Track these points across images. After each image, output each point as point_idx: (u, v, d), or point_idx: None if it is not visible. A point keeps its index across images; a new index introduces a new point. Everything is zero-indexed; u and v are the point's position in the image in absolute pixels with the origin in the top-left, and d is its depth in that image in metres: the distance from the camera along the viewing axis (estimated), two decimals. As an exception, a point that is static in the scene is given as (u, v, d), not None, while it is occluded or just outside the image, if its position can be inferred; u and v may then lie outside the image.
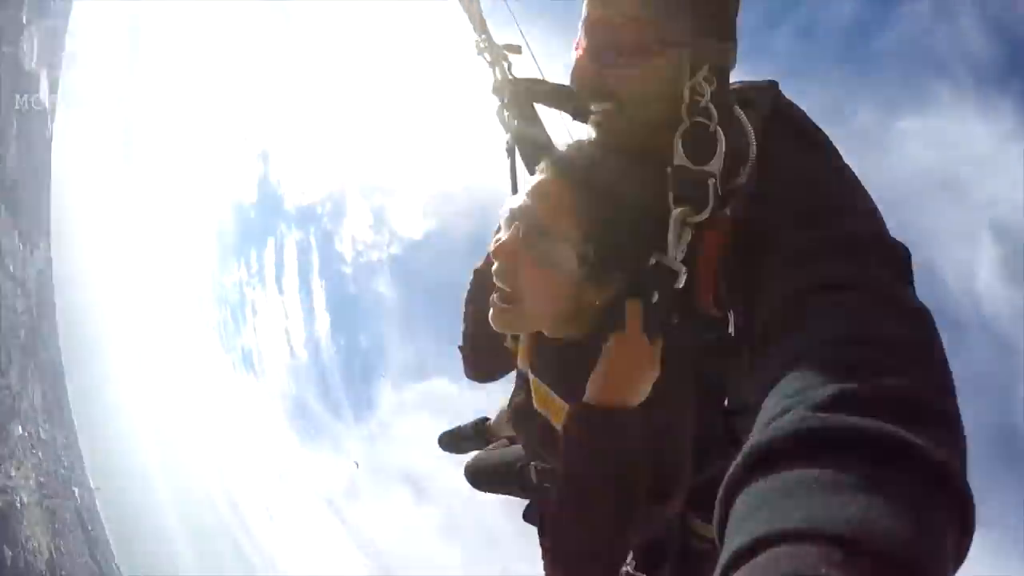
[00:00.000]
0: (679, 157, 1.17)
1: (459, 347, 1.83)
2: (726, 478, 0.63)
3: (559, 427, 1.39)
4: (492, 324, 1.34)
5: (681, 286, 1.15)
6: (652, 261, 1.18)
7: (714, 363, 1.29)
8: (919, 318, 0.85)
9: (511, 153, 1.63)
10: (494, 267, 1.29)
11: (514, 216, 1.28)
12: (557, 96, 1.44)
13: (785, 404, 0.69)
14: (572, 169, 1.28)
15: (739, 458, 0.63)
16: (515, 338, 1.60)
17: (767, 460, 0.59)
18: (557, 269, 1.22)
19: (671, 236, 1.18)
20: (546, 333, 1.40)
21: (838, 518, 0.48)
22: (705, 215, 1.15)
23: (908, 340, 0.77)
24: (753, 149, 1.20)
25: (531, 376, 1.55)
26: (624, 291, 1.24)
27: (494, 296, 1.32)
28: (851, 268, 0.92)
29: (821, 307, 0.86)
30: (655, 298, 1.19)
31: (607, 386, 1.19)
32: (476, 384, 1.93)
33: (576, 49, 1.22)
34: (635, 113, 1.21)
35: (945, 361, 0.78)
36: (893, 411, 0.60)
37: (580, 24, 1.20)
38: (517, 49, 1.82)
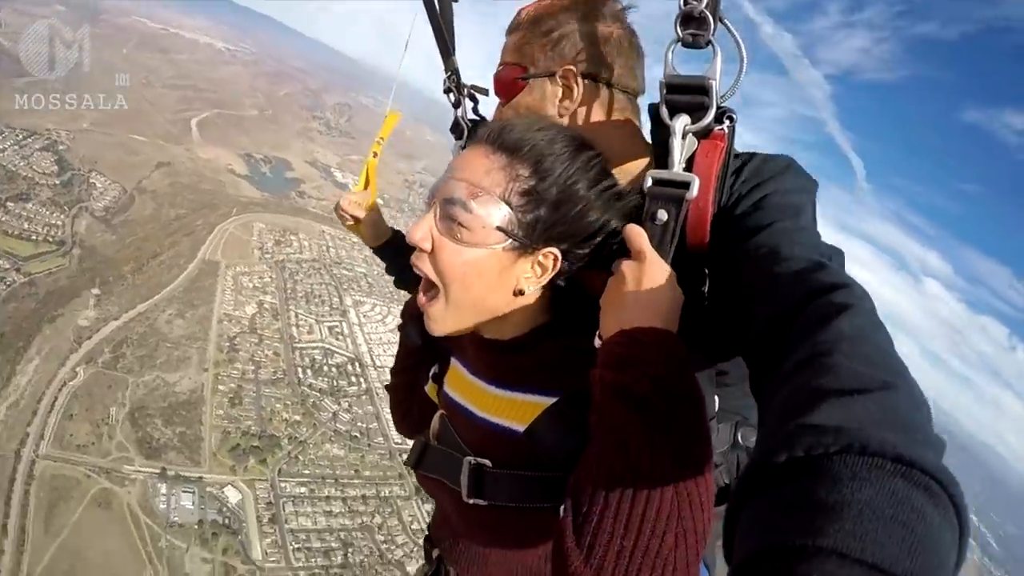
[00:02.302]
0: (670, 69, 1.24)
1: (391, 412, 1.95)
2: (730, 494, 0.64)
3: (484, 416, 1.35)
4: (427, 327, 1.30)
5: (693, 196, 1.15)
6: (648, 181, 1.20)
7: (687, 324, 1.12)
8: (880, 329, 0.85)
9: None
10: (413, 256, 1.25)
11: (430, 195, 1.26)
12: None
13: (779, 417, 0.70)
14: (485, 134, 1.25)
15: (741, 474, 0.63)
16: (435, 379, 1.63)
17: (766, 475, 0.60)
18: (476, 238, 1.17)
19: (674, 144, 1.20)
20: (479, 329, 1.34)
21: (836, 531, 0.49)
22: (707, 121, 1.20)
23: (881, 354, 0.78)
24: (745, 60, 1.21)
25: (452, 365, 1.55)
26: (575, 248, 1.23)
27: (419, 295, 1.29)
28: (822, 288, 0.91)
29: (804, 323, 0.86)
30: (663, 217, 1.18)
31: (638, 311, 1.08)
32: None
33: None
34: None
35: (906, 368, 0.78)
36: (880, 421, 0.62)
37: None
38: (484, 91, 1.94)
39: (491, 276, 1.21)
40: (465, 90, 2.00)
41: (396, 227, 2.34)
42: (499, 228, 1.17)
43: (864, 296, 0.91)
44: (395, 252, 2.26)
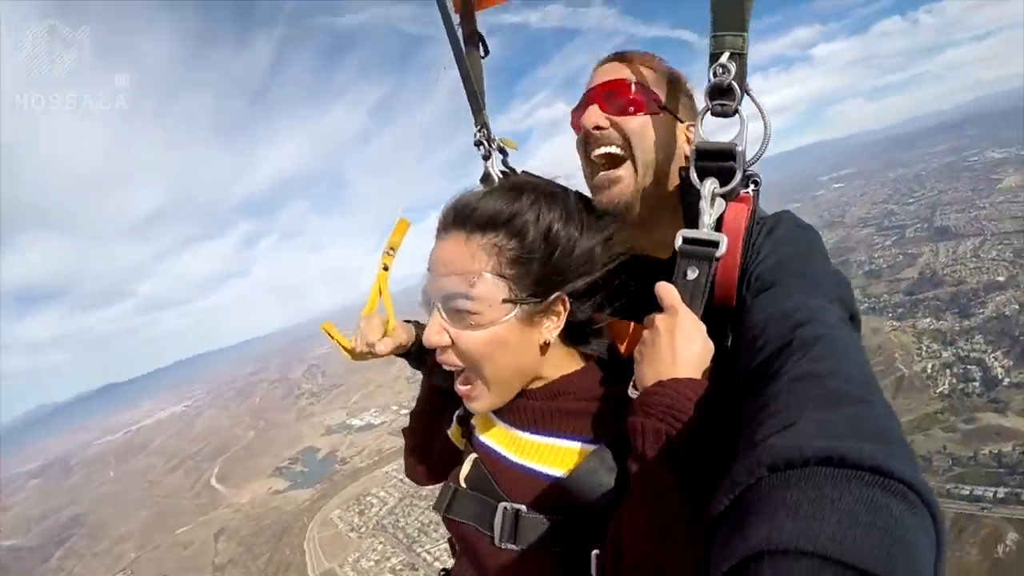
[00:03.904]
0: (699, 137, 1.33)
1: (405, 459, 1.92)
2: (711, 505, 0.65)
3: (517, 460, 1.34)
4: (472, 410, 1.36)
5: (722, 254, 1.22)
6: (679, 240, 1.27)
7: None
8: (859, 357, 0.90)
9: None
10: (436, 355, 1.29)
11: (426, 298, 1.30)
12: None
13: (759, 431, 0.74)
14: (450, 222, 1.29)
15: (723, 484, 0.66)
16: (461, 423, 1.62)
17: (746, 485, 0.62)
18: (487, 318, 1.21)
19: (704, 207, 1.29)
20: (516, 391, 1.35)
21: (818, 535, 0.51)
22: (734, 184, 1.29)
23: (857, 373, 0.82)
24: (770, 128, 1.30)
25: (489, 425, 1.49)
26: (584, 292, 1.29)
27: (456, 384, 1.33)
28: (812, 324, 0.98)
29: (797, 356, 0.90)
30: (692, 275, 1.25)
31: (674, 363, 1.12)
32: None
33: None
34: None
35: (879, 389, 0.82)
36: (857, 433, 0.65)
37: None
38: (514, 145, 1.99)
39: (514, 343, 1.25)
40: (495, 143, 2.04)
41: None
42: (505, 301, 1.21)
43: (838, 324, 1.01)
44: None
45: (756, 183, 1.36)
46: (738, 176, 1.30)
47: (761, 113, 1.31)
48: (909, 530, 0.52)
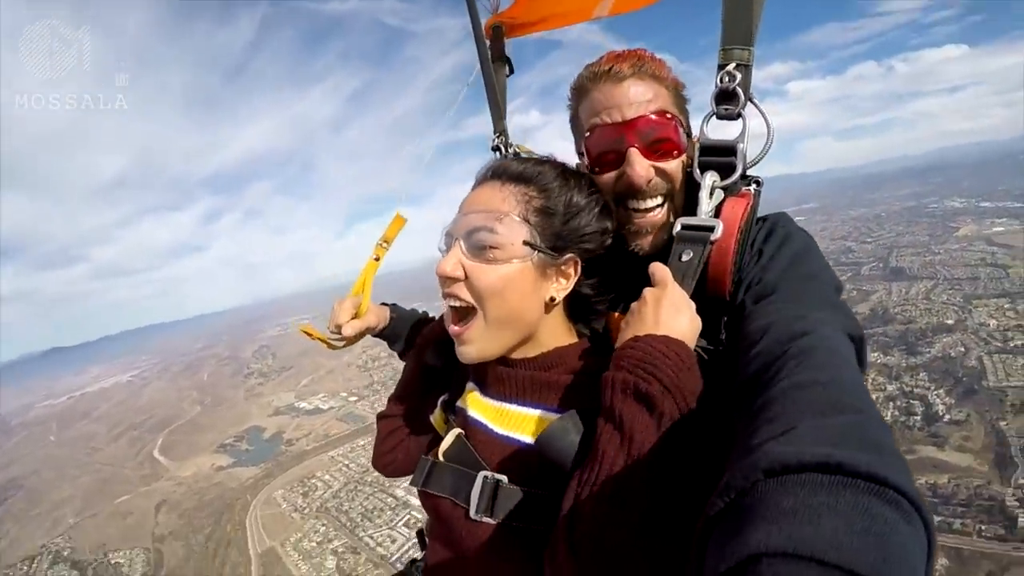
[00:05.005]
0: (704, 136, 1.40)
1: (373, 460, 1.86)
2: (705, 510, 0.65)
3: (496, 429, 1.35)
4: (462, 358, 1.33)
5: (717, 237, 1.27)
6: (677, 227, 1.34)
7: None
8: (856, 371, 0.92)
9: None
10: (445, 288, 1.31)
11: (449, 234, 1.34)
12: None
13: (754, 437, 0.73)
14: (488, 173, 1.39)
15: (717, 490, 0.65)
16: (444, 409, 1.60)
17: (741, 490, 0.62)
18: (506, 255, 1.25)
19: (703, 197, 1.34)
20: (508, 344, 1.35)
21: (815, 540, 0.52)
22: (734, 178, 1.35)
23: (851, 384, 0.83)
24: (772, 131, 1.34)
25: (468, 389, 1.51)
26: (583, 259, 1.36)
27: (451, 326, 1.34)
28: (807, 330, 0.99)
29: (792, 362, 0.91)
30: (687, 256, 1.29)
31: (653, 325, 1.13)
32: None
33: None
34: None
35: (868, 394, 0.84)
36: (851, 441, 0.65)
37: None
38: (529, 152, 2.00)
39: (525, 287, 1.28)
40: (512, 149, 2.12)
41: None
42: (525, 243, 1.26)
43: (835, 335, 1.02)
44: (398, 324, 2.21)
45: (758, 184, 1.43)
46: (738, 171, 1.38)
47: (764, 118, 1.39)
48: (903, 537, 0.53)
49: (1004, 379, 59.04)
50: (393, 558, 53.92)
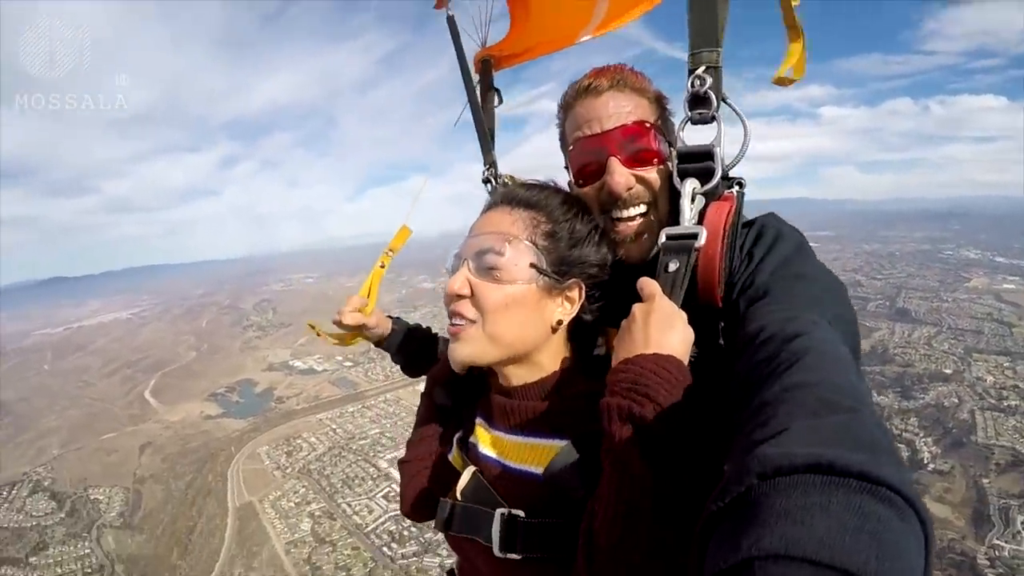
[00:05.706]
0: (682, 143, 1.40)
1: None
2: (704, 511, 0.66)
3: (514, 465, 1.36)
4: (452, 358, 1.35)
5: (701, 244, 1.26)
6: (662, 238, 1.33)
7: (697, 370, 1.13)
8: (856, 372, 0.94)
9: None
10: (451, 306, 1.34)
11: (458, 255, 1.38)
12: None
13: (748, 439, 0.75)
14: (499, 198, 1.43)
15: (713, 492, 0.66)
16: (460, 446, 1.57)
17: (736, 492, 0.62)
18: (512, 276, 1.29)
19: (684, 205, 1.34)
20: (506, 377, 1.41)
21: (808, 541, 0.52)
22: (714, 183, 1.35)
23: (846, 383, 0.84)
24: (748, 132, 1.35)
25: (478, 424, 1.52)
26: (589, 285, 1.39)
27: (451, 330, 1.35)
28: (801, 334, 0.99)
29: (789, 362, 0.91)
30: (673, 266, 1.28)
31: (643, 343, 1.12)
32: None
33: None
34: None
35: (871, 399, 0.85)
36: (845, 441, 0.66)
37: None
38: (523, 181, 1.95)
39: (528, 308, 1.32)
40: (502, 180, 2.11)
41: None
42: (532, 265, 1.30)
43: (828, 337, 1.02)
44: (403, 339, 2.30)
45: (741, 185, 1.43)
46: (717, 175, 1.38)
47: (740, 117, 1.40)
48: (897, 534, 0.53)
49: (993, 437, 58.94)
50: (368, 528, 54.57)
